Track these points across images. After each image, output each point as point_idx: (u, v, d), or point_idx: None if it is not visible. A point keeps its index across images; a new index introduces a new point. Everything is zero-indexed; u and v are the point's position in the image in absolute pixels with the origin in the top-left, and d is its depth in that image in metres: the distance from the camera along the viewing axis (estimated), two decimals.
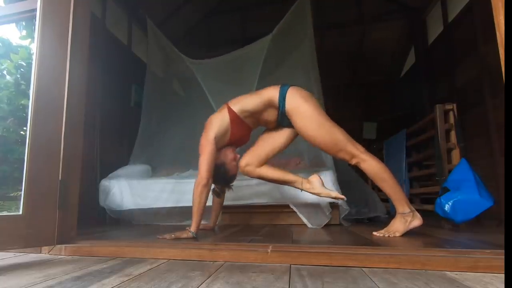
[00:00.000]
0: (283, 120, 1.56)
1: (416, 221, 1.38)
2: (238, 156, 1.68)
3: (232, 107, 1.55)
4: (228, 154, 1.63)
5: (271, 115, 1.57)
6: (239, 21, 4.34)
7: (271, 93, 1.52)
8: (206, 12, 4.28)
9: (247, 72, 2.74)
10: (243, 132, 1.63)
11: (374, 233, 1.44)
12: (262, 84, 2.71)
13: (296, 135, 1.66)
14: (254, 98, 1.56)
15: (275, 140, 1.65)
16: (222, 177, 1.62)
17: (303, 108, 1.46)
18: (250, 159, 1.63)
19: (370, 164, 1.41)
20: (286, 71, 2.90)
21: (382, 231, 1.42)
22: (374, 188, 3.46)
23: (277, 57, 2.82)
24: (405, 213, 1.39)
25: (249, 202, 2.14)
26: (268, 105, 1.53)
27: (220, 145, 1.59)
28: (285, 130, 1.63)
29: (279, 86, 1.53)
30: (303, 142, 2.63)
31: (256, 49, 2.72)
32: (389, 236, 1.37)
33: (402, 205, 1.39)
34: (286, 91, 1.50)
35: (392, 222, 1.43)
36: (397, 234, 1.36)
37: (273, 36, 2.65)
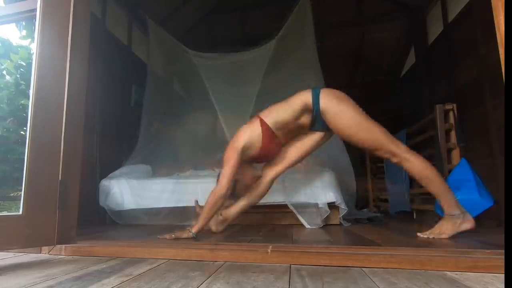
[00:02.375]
0: (317, 123, 1.52)
1: (468, 224, 1.30)
2: (258, 176, 1.68)
3: (264, 119, 1.51)
4: (248, 176, 1.62)
5: (305, 120, 1.53)
6: (239, 21, 4.33)
7: (304, 96, 1.49)
8: (206, 11, 4.28)
9: (250, 73, 2.74)
10: (274, 146, 1.59)
11: (419, 234, 1.38)
12: (265, 84, 2.72)
13: (326, 139, 1.64)
14: (286, 107, 1.52)
15: (303, 143, 1.63)
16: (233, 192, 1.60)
17: (340, 107, 1.43)
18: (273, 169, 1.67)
19: (414, 164, 1.35)
20: (288, 72, 2.91)
21: (427, 232, 1.35)
22: (374, 189, 3.47)
23: (280, 58, 2.83)
24: (453, 215, 1.31)
25: None
26: (303, 109, 1.50)
27: (246, 157, 1.56)
28: (316, 134, 1.61)
29: (310, 89, 1.51)
30: None
31: (260, 53, 2.73)
32: (433, 238, 1.30)
33: (450, 206, 1.32)
34: (319, 92, 1.47)
35: (439, 223, 1.36)
36: (444, 236, 1.29)
37: (277, 39, 2.66)
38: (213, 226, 1.67)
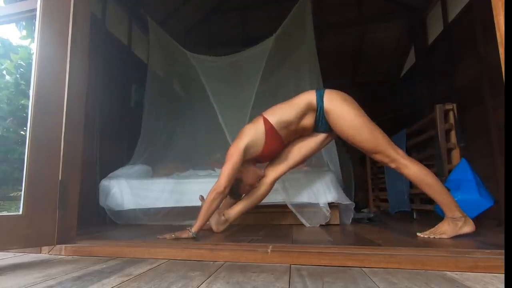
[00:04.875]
0: (320, 123, 1.53)
1: (468, 228, 1.31)
2: (261, 176, 1.68)
3: (268, 118, 1.52)
4: (251, 176, 1.61)
5: (308, 120, 1.54)
6: (239, 21, 4.33)
7: (308, 96, 1.50)
8: (206, 12, 4.28)
9: (249, 73, 2.74)
10: (277, 145, 1.59)
11: (419, 234, 1.39)
12: (264, 85, 2.72)
13: (329, 141, 1.65)
14: (290, 107, 1.53)
15: (306, 144, 1.64)
16: (232, 191, 1.60)
17: (343, 107, 1.44)
18: (274, 170, 1.68)
19: (412, 170, 1.37)
20: (288, 72, 2.90)
21: (427, 232, 1.37)
22: (374, 189, 3.47)
23: (279, 58, 2.82)
24: (455, 218, 1.32)
25: None
26: (307, 109, 1.51)
27: (249, 156, 1.56)
28: (319, 135, 1.61)
29: (314, 90, 1.52)
30: None
31: (259, 51, 2.72)
32: (434, 237, 1.32)
33: (451, 210, 1.33)
34: (323, 93, 1.49)
35: (439, 224, 1.37)
36: (444, 236, 1.30)
37: (276, 38, 2.66)
38: (214, 226, 1.66)
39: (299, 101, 1.52)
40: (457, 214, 1.33)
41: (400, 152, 1.41)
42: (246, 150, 1.50)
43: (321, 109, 1.47)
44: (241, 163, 1.51)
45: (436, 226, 1.38)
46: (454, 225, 1.33)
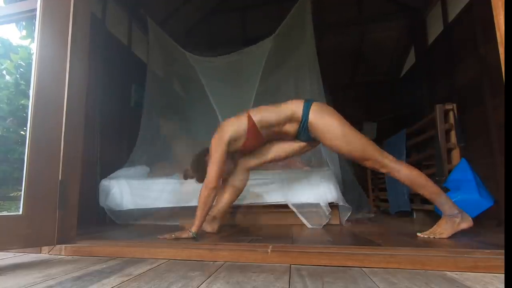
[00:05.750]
0: (302, 133, 1.56)
1: (465, 223, 1.33)
2: (231, 167, 1.73)
3: (252, 116, 1.55)
4: (225, 168, 1.63)
5: (291, 128, 1.57)
6: (239, 21, 4.33)
7: (295, 106, 1.53)
8: (206, 12, 4.28)
9: (249, 73, 2.74)
10: (257, 142, 1.63)
11: (419, 234, 1.41)
12: (264, 85, 2.72)
13: (307, 150, 1.70)
14: (276, 111, 1.56)
15: (287, 145, 1.67)
16: (201, 173, 1.61)
17: (327, 119, 1.48)
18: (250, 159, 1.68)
19: (403, 173, 1.40)
20: (287, 72, 2.90)
21: (427, 232, 1.38)
22: (374, 189, 3.47)
23: (278, 57, 2.82)
24: (452, 215, 1.34)
25: (249, 203, 2.14)
26: (291, 118, 1.54)
27: (231, 149, 1.59)
28: (300, 143, 1.66)
29: (303, 100, 1.54)
30: None
31: (258, 50, 2.72)
32: (434, 237, 1.33)
33: (447, 208, 1.35)
34: (311, 105, 1.51)
35: (438, 223, 1.38)
36: (444, 236, 1.32)
37: (275, 37, 2.65)
38: (208, 227, 1.67)
39: (286, 108, 1.55)
40: (454, 210, 1.35)
41: (389, 157, 1.44)
42: (229, 143, 1.54)
43: (305, 122, 1.51)
44: (226, 156, 1.54)
45: (434, 226, 1.39)
46: (452, 222, 1.34)
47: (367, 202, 2.64)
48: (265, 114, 1.56)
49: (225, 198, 1.74)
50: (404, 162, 1.47)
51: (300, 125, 1.53)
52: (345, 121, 1.49)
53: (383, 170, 1.44)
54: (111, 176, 2.45)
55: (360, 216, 2.41)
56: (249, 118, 1.55)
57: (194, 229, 1.41)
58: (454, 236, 1.33)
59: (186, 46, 2.96)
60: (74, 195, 1.28)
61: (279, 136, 1.65)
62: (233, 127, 1.55)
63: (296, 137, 1.62)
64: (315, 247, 1.05)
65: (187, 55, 2.83)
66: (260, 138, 1.60)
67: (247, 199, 2.14)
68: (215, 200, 1.72)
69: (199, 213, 1.45)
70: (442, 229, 1.35)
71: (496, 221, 1.92)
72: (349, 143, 1.44)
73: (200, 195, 1.47)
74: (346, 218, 2.02)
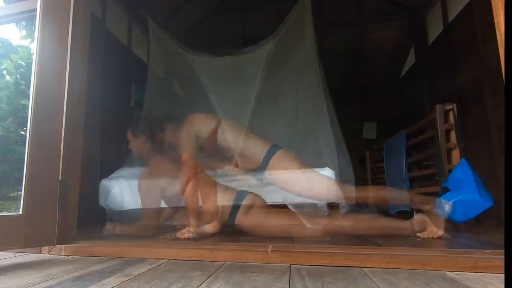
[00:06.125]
0: (257, 176, 1.59)
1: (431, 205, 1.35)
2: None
3: (220, 127, 1.59)
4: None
5: (246, 166, 1.60)
6: (239, 21, 4.33)
7: (258, 151, 1.55)
8: (206, 12, 4.28)
9: (249, 73, 2.73)
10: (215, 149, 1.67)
11: (418, 234, 1.40)
12: (264, 85, 2.71)
13: None
14: (240, 141, 1.57)
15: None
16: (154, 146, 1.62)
17: (286, 165, 1.51)
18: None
19: (363, 194, 1.42)
20: (288, 72, 2.90)
21: (426, 232, 1.38)
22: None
23: (278, 58, 2.82)
24: (427, 210, 1.34)
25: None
26: (249, 159, 1.57)
27: (199, 143, 1.63)
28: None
29: (270, 145, 1.55)
30: (303, 142, 2.64)
31: (258, 51, 2.72)
32: (432, 238, 1.33)
33: (417, 203, 1.36)
34: (276, 151, 1.53)
35: (429, 227, 1.37)
36: (440, 233, 1.32)
37: (275, 38, 2.65)
38: (209, 227, 1.66)
39: (252, 146, 1.57)
40: (426, 205, 1.34)
41: (321, 220, 1.47)
42: (197, 138, 1.57)
43: (265, 166, 1.53)
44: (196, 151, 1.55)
45: (427, 231, 1.38)
46: (435, 217, 1.34)
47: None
48: (231, 138, 1.59)
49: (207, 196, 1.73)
50: (362, 186, 1.52)
51: (257, 168, 1.55)
52: (272, 213, 1.52)
53: (345, 200, 1.44)
54: (111, 176, 2.45)
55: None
56: (215, 130, 1.58)
57: (193, 228, 1.42)
58: (454, 236, 1.33)
59: (186, 46, 2.95)
60: (74, 195, 1.28)
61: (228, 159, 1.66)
62: (202, 122, 1.60)
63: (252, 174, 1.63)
64: (315, 247, 1.05)
65: (186, 55, 2.83)
66: (213, 148, 1.64)
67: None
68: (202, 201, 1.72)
69: (190, 213, 1.47)
70: (434, 230, 1.34)
71: (496, 221, 1.92)
72: (302, 188, 1.48)
73: (185, 198, 1.48)
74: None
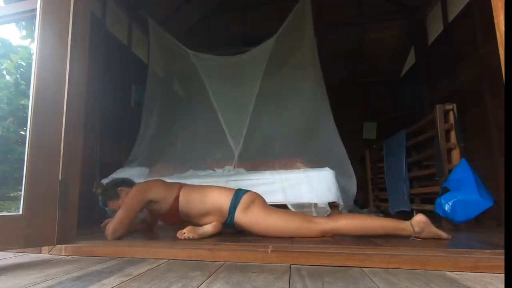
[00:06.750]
0: (228, 225, 1.56)
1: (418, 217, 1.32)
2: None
3: (180, 197, 1.54)
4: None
5: (216, 218, 1.55)
6: (239, 21, 4.34)
7: (221, 202, 1.51)
8: (206, 12, 4.28)
9: (250, 73, 2.74)
10: (172, 222, 1.66)
11: (418, 234, 1.37)
12: (265, 85, 2.71)
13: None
14: (202, 201, 1.54)
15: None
16: (105, 198, 1.64)
17: (253, 216, 1.46)
18: None
19: (341, 223, 1.37)
20: (288, 72, 2.90)
21: (425, 232, 1.34)
22: (374, 189, 3.47)
23: (279, 58, 2.83)
24: (404, 234, 1.30)
25: None
26: (216, 211, 1.53)
27: (150, 209, 1.63)
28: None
29: (232, 193, 1.53)
30: (302, 141, 2.65)
31: (259, 52, 2.73)
32: (433, 238, 1.30)
33: (403, 228, 1.31)
34: (240, 199, 1.49)
35: (428, 223, 1.33)
36: (440, 233, 1.30)
37: (276, 38, 2.66)
38: (210, 228, 1.65)
39: (213, 201, 1.53)
40: (410, 227, 1.30)
41: (320, 220, 1.43)
42: (148, 203, 1.55)
43: (231, 219, 1.50)
44: (139, 211, 1.54)
45: (427, 231, 1.33)
46: (424, 220, 1.31)
47: (367, 201, 2.65)
48: (192, 204, 1.54)
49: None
50: (335, 217, 1.47)
51: (226, 220, 1.52)
52: (271, 212, 1.47)
53: (323, 234, 1.39)
54: (111, 176, 2.45)
55: None
56: (176, 200, 1.54)
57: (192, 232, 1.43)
58: (454, 236, 1.33)
59: (186, 46, 2.96)
60: (74, 195, 1.28)
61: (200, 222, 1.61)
62: (160, 194, 1.54)
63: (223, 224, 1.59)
64: (315, 247, 1.05)
65: (189, 53, 2.83)
66: (176, 221, 1.61)
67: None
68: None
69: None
70: (434, 228, 1.32)
71: (496, 221, 1.92)
72: (279, 231, 1.42)
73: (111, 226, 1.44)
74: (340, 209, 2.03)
